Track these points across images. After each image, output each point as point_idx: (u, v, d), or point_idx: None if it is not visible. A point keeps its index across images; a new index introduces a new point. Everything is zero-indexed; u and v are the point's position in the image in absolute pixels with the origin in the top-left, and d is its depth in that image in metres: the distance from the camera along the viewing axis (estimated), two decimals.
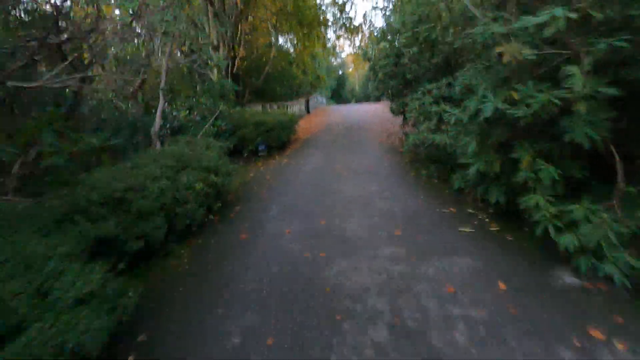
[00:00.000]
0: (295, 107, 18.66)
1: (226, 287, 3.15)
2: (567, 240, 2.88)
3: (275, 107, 16.86)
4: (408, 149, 6.88)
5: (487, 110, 3.35)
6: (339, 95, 34.85)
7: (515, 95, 3.40)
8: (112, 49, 7.99)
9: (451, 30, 5.67)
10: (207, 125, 8.17)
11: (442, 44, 5.86)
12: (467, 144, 4.01)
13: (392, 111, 8.33)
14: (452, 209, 4.57)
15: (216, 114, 9.14)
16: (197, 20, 13.65)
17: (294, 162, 8.35)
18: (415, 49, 6.16)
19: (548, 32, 2.46)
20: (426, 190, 5.44)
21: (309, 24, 15.77)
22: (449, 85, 5.50)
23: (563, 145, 3.40)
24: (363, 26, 16.45)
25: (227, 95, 9.40)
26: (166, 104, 10.36)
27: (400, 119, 10.17)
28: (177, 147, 5.37)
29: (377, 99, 31.04)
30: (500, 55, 3.64)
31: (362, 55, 8.36)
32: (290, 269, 3.35)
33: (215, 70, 14.35)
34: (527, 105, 3.10)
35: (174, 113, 9.84)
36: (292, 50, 18.92)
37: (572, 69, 2.55)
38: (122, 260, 3.44)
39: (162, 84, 7.57)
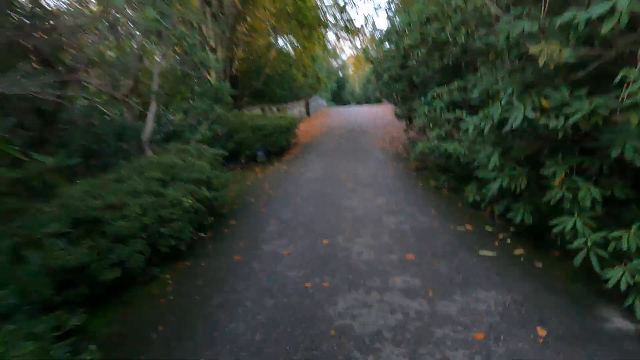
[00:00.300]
0: (296, 109, 18.21)
1: (214, 326, 2.67)
2: (616, 276, 2.41)
3: (275, 109, 16.42)
4: (415, 156, 6.42)
5: (516, 120, 2.88)
6: (339, 97, 34.41)
7: (545, 103, 2.94)
8: (104, 50, 7.54)
9: (463, 31, 5.20)
10: (202, 131, 7.69)
11: (453, 44, 5.39)
12: (487, 156, 3.54)
13: (397, 115, 7.85)
14: (468, 226, 4.10)
15: (212, 117, 8.69)
16: (194, 21, 13.20)
17: (294, 170, 7.88)
18: (423, 49, 5.69)
19: (606, 28, 1.99)
20: (437, 204, 4.96)
21: (309, 25, 15.32)
22: (462, 89, 5.03)
23: (603, 160, 2.94)
24: (364, 28, 15.95)
25: (224, 98, 8.91)
26: (160, 107, 9.90)
27: (403, 123, 9.71)
28: (166, 156, 4.89)
29: (378, 101, 30.59)
30: (530, 57, 3.19)
31: (364, 56, 7.88)
32: (288, 303, 2.87)
33: (213, 73, 13.90)
34: (565, 116, 2.63)
35: (170, 117, 9.41)
36: (292, 52, 18.48)
37: (632, 72, 2.08)
38: (95, 290, 2.99)
39: (154, 87, 7.11)
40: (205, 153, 5.63)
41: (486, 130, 3.30)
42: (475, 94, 3.79)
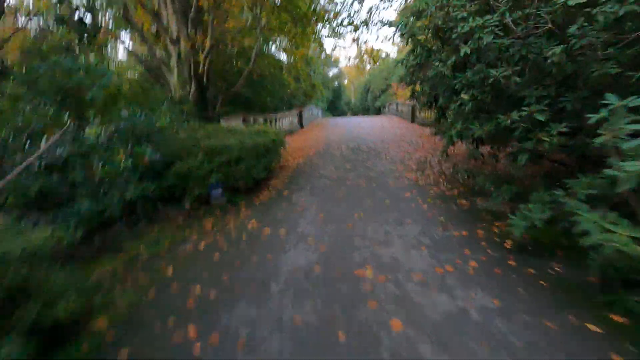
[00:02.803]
0: (286, 120, 14.33)
1: None
2: None
3: (261, 120, 12.49)
4: (524, 230, 2.58)
5: None
6: (334, 107, 30.63)
7: None
8: None
9: None
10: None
11: None
12: None
13: (449, 139, 3.90)
14: None
15: (127, 134, 4.72)
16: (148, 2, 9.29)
17: (268, 232, 3.91)
18: None
19: None
20: None
21: (303, 17, 11.50)
22: None
23: None
24: (369, 23, 12.18)
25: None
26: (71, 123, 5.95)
27: (427, 137, 5.86)
28: None
29: (378, 112, 26.81)
30: None
31: (401, 29, 4.01)
32: None
33: (175, 71, 9.94)
34: None
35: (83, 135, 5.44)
36: (282, 52, 14.65)
37: None
38: None
39: None
40: None
41: None
42: None
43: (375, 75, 24.86)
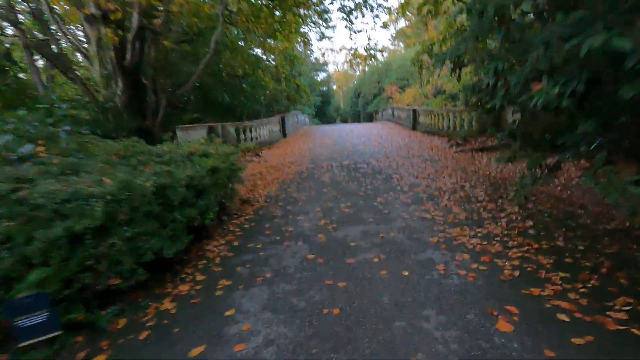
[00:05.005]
0: (266, 128, 11.18)
1: None
2: None
3: (231, 130, 9.32)
4: None
5: None
6: (323, 113, 27.59)
7: None
8: None
9: None
10: None
11: None
12: None
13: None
14: None
15: None
16: None
17: None
18: None
19: None
20: None
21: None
22: None
23: None
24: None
25: None
26: None
27: (441, 149, 2.84)
28: None
29: (370, 118, 23.90)
30: None
31: None
32: None
33: (96, 61, 6.70)
34: None
35: None
36: (260, 47, 11.52)
37: None
38: None
39: None
40: None
41: None
42: None
43: (365, 79, 21.99)
